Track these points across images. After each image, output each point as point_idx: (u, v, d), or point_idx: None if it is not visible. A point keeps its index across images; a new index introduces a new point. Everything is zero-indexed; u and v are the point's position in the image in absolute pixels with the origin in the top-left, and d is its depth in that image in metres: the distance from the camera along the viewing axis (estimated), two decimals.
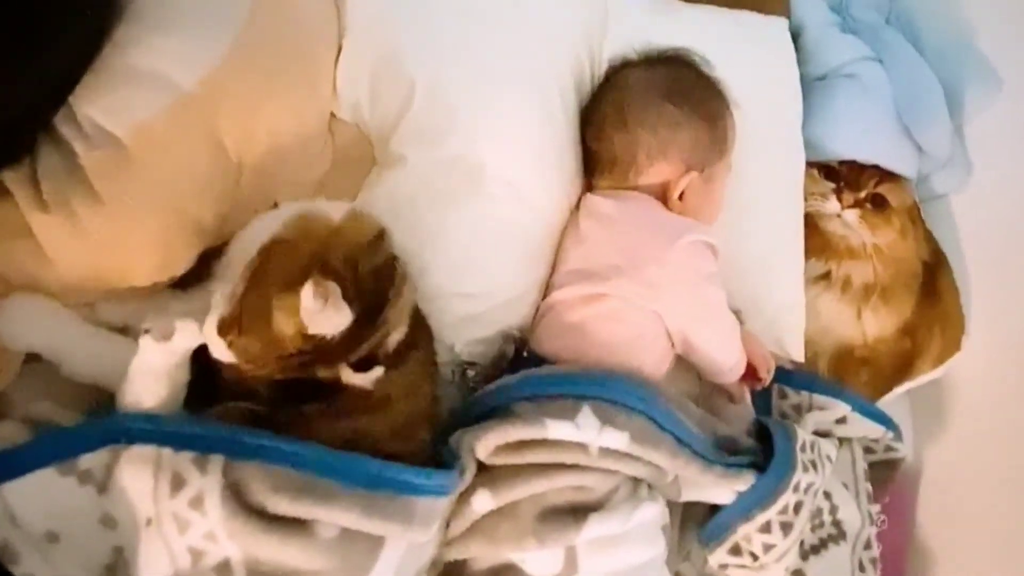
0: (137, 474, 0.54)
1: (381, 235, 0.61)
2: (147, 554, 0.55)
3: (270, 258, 0.56)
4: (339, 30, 0.75)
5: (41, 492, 0.54)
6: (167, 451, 0.55)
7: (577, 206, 0.81)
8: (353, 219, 0.60)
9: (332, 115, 0.76)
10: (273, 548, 0.54)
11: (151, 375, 0.57)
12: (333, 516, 0.55)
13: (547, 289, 0.79)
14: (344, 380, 0.56)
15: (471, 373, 0.76)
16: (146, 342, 0.56)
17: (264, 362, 0.55)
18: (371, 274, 0.57)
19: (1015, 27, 0.93)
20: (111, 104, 0.58)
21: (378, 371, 0.56)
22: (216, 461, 0.54)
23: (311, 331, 0.53)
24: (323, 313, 0.52)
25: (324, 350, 0.55)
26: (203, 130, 0.61)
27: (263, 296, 0.54)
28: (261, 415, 0.58)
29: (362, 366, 0.56)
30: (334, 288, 0.52)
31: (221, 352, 0.55)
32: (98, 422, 0.57)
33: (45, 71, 0.55)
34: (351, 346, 0.56)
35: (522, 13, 0.78)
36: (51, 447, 0.55)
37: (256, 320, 0.54)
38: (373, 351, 0.58)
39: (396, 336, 0.60)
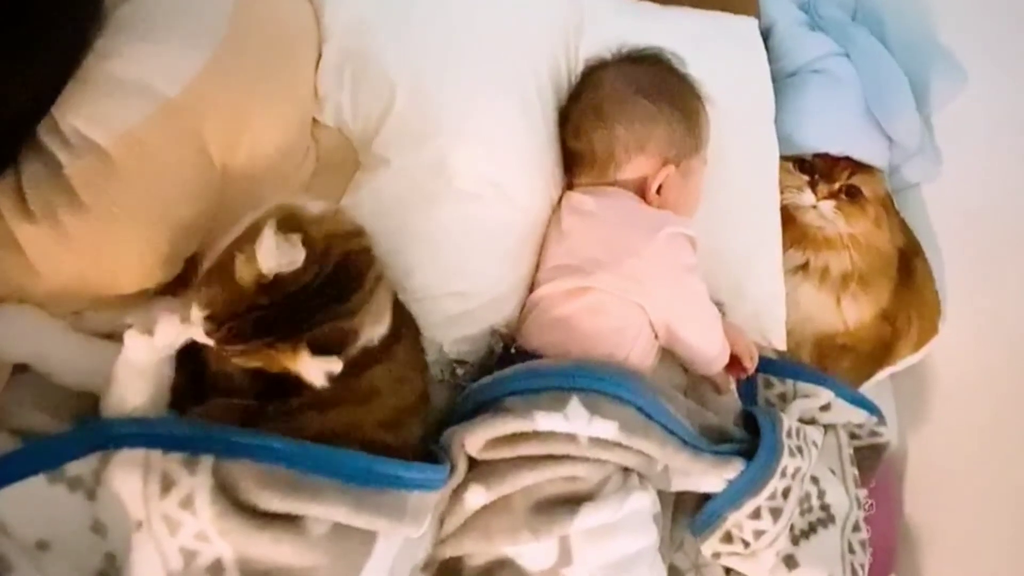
0: (126, 477, 0.54)
1: (360, 231, 0.62)
2: (139, 557, 0.54)
3: (244, 236, 0.57)
4: (319, 35, 0.76)
5: (31, 500, 0.54)
6: (156, 453, 0.55)
7: (559, 204, 0.82)
8: (333, 212, 0.61)
9: (314, 120, 0.77)
10: (265, 546, 0.54)
11: (135, 372, 0.57)
12: (324, 512, 0.55)
13: (532, 285, 0.80)
14: (300, 365, 0.54)
15: (460, 371, 0.76)
16: (130, 337, 0.56)
17: (226, 315, 0.55)
18: (343, 254, 0.58)
19: (978, 21, 0.96)
20: (94, 113, 0.58)
21: (335, 364, 0.55)
22: (205, 461, 0.54)
23: (264, 268, 0.53)
24: (278, 249, 0.53)
25: (284, 310, 0.54)
26: (187, 137, 0.62)
27: (231, 255, 0.55)
28: (248, 410, 0.58)
29: (321, 350, 0.55)
30: (295, 236, 0.54)
31: (195, 315, 0.55)
32: (85, 428, 0.57)
33: (27, 81, 0.55)
34: (311, 315, 0.55)
35: (500, 15, 0.80)
36: (39, 455, 0.55)
37: (222, 272, 0.55)
38: (338, 338, 0.56)
39: (379, 330, 0.61)
